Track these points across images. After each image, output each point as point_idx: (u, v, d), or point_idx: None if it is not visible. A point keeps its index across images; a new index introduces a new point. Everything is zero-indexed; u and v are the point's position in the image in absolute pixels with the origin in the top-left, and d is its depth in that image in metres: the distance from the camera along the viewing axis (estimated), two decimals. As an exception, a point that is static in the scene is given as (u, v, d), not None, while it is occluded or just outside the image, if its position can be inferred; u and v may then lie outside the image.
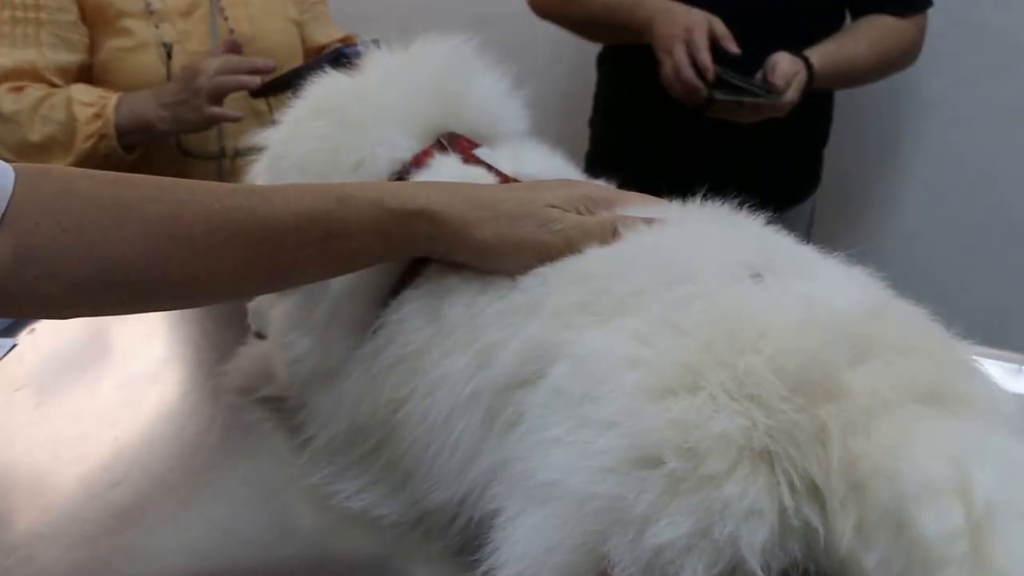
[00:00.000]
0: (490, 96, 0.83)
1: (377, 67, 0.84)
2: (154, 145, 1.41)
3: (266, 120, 1.18)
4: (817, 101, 1.55)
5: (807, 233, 1.64)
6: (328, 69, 0.85)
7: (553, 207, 0.66)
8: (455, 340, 0.63)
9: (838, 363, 0.45)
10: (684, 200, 0.69)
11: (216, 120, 1.34)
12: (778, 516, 0.42)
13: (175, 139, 1.43)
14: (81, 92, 1.35)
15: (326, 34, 1.62)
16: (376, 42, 1.38)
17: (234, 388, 0.86)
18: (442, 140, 0.78)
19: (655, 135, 1.54)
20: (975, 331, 0.55)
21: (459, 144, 0.78)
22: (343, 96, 0.82)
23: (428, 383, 0.64)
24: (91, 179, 0.62)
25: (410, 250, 0.68)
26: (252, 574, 0.67)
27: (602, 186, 0.73)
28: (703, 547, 0.41)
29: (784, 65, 1.36)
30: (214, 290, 0.68)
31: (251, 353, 0.89)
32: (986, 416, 0.45)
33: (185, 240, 0.62)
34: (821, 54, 1.43)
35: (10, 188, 0.59)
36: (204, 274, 0.64)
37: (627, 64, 1.57)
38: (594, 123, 1.69)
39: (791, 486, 0.42)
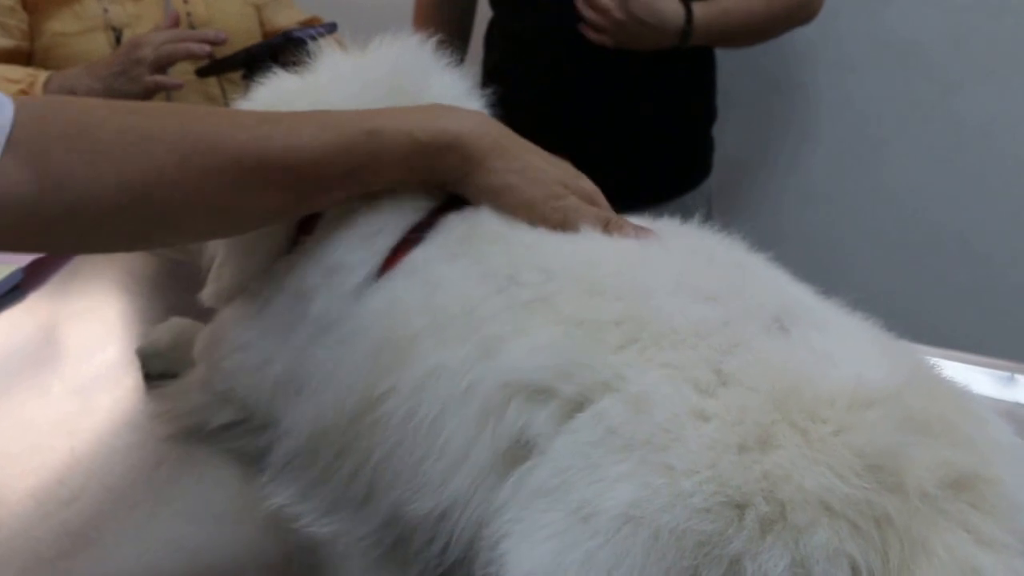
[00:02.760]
0: (449, 97, 0.79)
1: (328, 66, 0.79)
2: None
3: (219, 105, 1.13)
4: (697, 74, 1.55)
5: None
6: (284, 49, 0.81)
7: (564, 185, 0.69)
8: (452, 331, 0.61)
9: (898, 451, 0.48)
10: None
11: (156, 88, 1.28)
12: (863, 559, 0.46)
13: None
14: (7, 70, 1.30)
15: (287, 17, 1.57)
16: (333, 26, 1.35)
17: (180, 431, 0.79)
18: None
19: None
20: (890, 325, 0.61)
21: None
22: (290, 96, 0.77)
23: (416, 377, 0.61)
24: (112, 108, 0.64)
25: (428, 179, 0.70)
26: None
27: (601, 196, 0.73)
28: None
29: None
30: (241, 220, 0.69)
31: (182, 389, 0.82)
32: (1010, 508, 0.49)
33: (216, 171, 0.63)
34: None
35: (9, 118, 0.60)
36: (234, 204, 0.66)
37: (502, 46, 1.57)
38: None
39: (863, 552, 0.46)
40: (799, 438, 0.49)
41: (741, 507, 0.46)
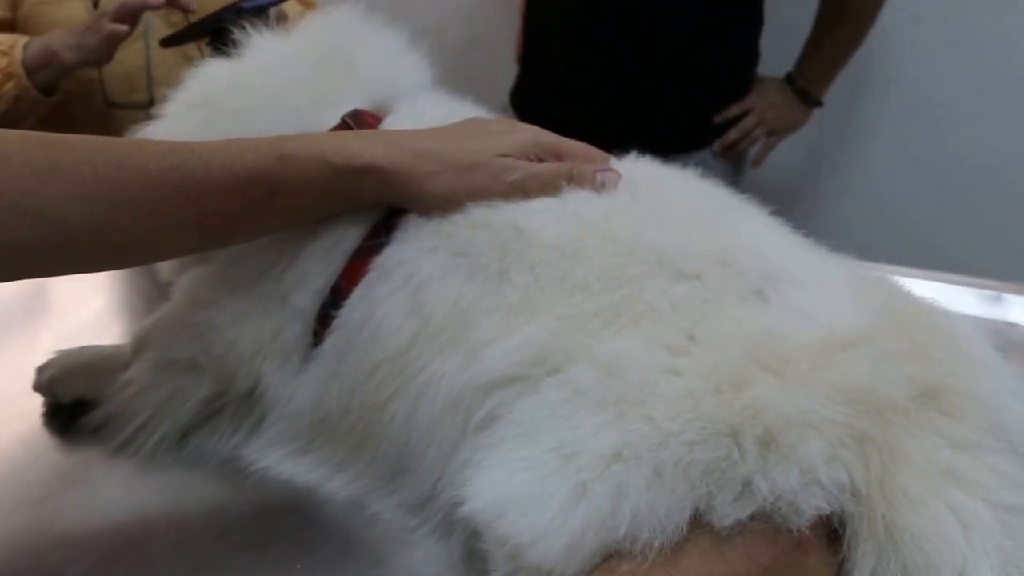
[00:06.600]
0: (381, 57, 0.79)
1: (255, 51, 0.80)
2: (79, 97, 1.40)
3: (197, 64, 1.14)
4: (742, 27, 1.57)
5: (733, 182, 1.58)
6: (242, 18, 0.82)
7: (505, 156, 0.66)
8: (444, 340, 0.61)
9: (873, 385, 0.50)
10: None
11: (114, 36, 1.30)
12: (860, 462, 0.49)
13: (101, 90, 1.41)
14: None
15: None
16: None
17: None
18: (347, 120, 0.74)
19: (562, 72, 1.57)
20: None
21: (364, 120, 0.74)
22: (219, 86, 0.78)
23: (416, 385, 0.61)
24: (24, 141, 0.60)
25: (358, 203, 0.68)
26: (203, 534, 0.65)
27: (546, 132, 0.70)
28: (813, 490, 0.47)
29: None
30: (158, 250, 0.68)
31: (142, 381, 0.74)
32: (980, 411, 0.51)
33: (125, 203, 0.61)
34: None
35: None
36: (147, 234, 0.63)
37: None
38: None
39: (849, 463, 0.48)
40: (773, 378, 0.50)
41: (734, 434, 0.48)
